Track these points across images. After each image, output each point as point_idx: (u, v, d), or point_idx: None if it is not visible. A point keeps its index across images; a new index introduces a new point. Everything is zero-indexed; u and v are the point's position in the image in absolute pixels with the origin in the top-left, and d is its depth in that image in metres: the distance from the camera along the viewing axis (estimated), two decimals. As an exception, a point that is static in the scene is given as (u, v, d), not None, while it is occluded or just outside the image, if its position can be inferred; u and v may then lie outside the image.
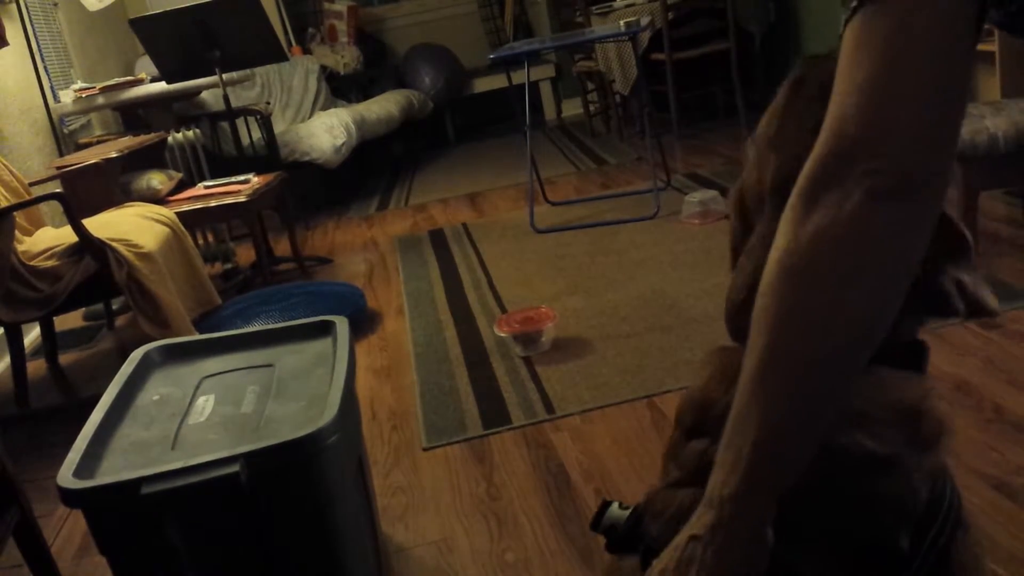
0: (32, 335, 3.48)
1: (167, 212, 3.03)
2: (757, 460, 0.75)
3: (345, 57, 6.27)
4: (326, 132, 4.81)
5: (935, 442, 0.84)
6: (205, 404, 1.49)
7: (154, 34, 3.83)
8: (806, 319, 0.72)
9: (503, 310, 2.89)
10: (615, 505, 0.95)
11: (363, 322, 3.02)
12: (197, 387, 1.56)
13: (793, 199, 0.73)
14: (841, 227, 0.69)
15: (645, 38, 4.99)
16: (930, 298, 0.83)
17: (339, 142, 4.81)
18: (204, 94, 4.62)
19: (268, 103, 5.16)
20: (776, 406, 0.74)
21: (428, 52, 6.52)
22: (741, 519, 0.77)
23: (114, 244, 2.59)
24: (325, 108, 5.70)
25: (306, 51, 6.23)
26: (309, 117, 5.54)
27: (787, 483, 0.77)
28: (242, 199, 3.34)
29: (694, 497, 0.87)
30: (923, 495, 0.83)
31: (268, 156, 4.49)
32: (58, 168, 3.27)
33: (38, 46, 4.15)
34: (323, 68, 6.04)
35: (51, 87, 4.24)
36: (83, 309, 3.59)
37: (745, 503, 0.77)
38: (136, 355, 1.66)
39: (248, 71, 4.74)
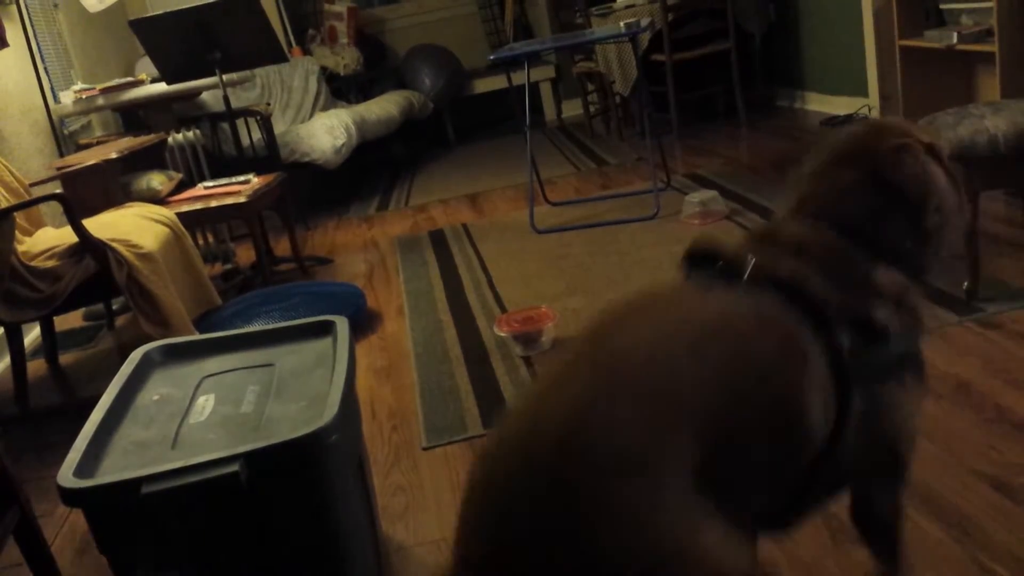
0: (32, 335, 3.48)
1: (167, 212, 3.03)
2: None
3: (345, 58, 6.27)
4: (326, 133, 4.81)
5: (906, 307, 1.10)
6: (205, 404, 1.50)
7: (154, 35, 3.83)
8: None
9: (503, 310, 2.89)
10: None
11: (363, 322, 3.02)
12: (197, 387, 1.57)
13: None
14: None
15: (645, 39, 5.00)
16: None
17: (339, 143, 4.81)
18: (204, 95, 4.62)
19: (268, 104, 5.17)
20: None
21: (428, 53, 6.52)
22: None
23: (114, 244, 2.59)
24: (325, 109, 5.71)
25: (306, 52, 6.23)
26: (309, 118, 5.54)
27: None
28: (242, 199, 3.34)
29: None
30: None
31: (268, 157, 4.49)
32: (58, 169, 3.27)
33: (38, 47, 4.15)
34: (323, 69, 6.04)
35: (51, 88, 4.24)
36: (83, 309, 3.59)
37: None
38: (136, 355, 1.66)
39: (248, 72, 4.75)
